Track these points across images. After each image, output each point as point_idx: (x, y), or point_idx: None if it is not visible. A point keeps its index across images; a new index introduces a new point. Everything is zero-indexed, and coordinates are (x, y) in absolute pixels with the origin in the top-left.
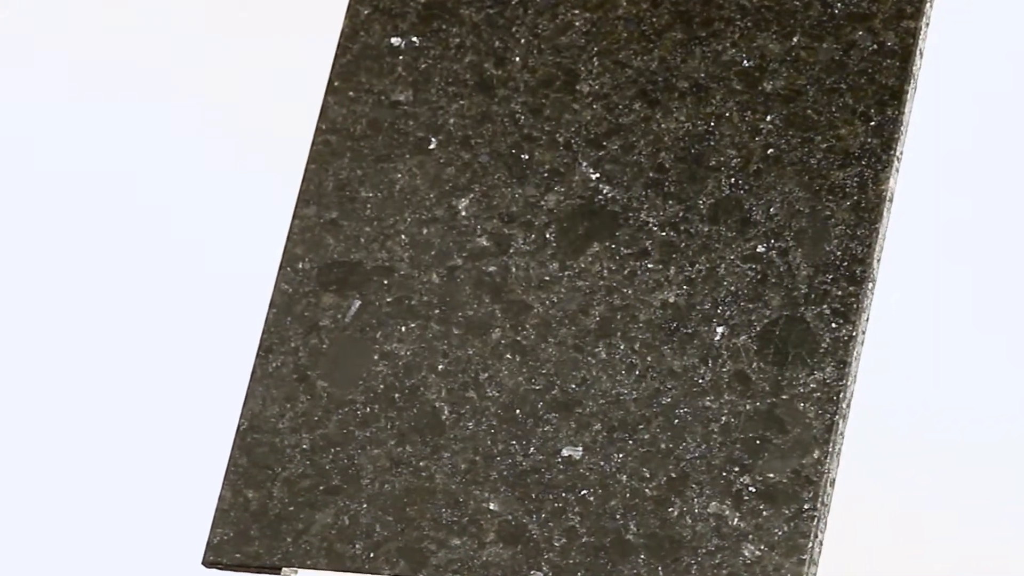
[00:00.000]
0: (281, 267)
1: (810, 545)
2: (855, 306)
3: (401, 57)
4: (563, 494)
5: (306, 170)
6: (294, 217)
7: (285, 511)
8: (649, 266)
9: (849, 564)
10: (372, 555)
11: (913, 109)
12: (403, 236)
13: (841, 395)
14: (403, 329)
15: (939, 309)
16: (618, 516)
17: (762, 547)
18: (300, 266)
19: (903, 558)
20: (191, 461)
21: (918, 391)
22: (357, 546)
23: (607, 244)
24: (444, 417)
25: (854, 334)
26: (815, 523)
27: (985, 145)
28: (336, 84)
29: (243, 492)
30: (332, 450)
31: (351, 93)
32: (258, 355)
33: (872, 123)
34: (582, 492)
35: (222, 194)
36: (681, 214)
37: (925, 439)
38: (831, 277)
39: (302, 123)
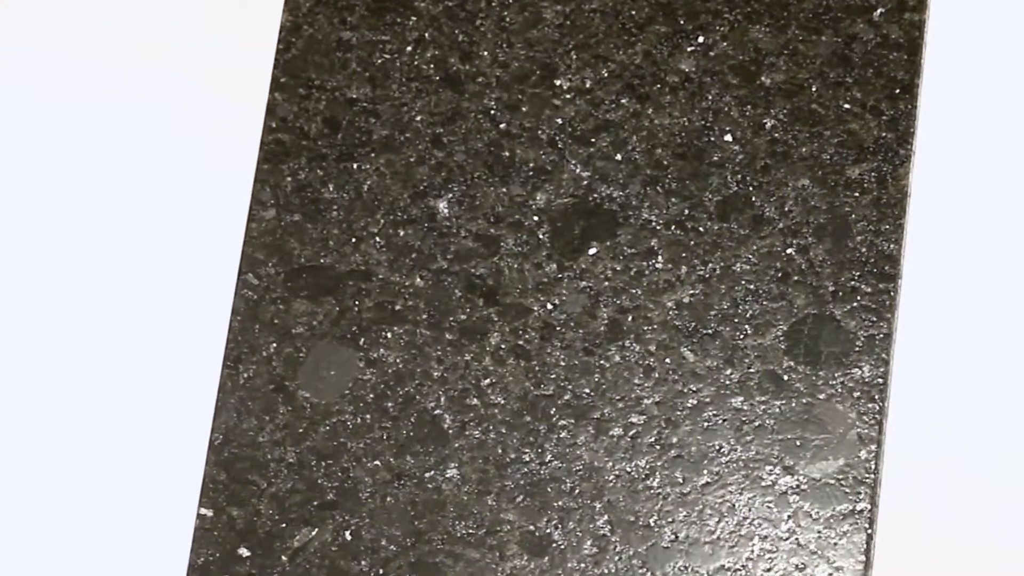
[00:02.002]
0: (240, 272)
1: (867, 547)
2: (887, 303)
3: (354, 52)
4: (589, 501)
5: (258, 170)
6: (250, 220)
7: (276, 528)
8: (657, 266)
9: (893, 564)
10: (381, 571)
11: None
12: (377, 239)
13: (883, 393)
14: (389, 335)
15: (947, 305)
16: (652, 522)
17: (816, 550)
18: (263, 271)
19: (944, 557)
20: (145, 478)
21: (934, 388)
22: (363, 562)
23: (607, 244)
24: (446, 426)
25: (888, 331)
26: (871, 524)
27: (984, 139)
28: (282, 80)
29: (226, 509)
30: (323, 463)
31: (301, 90)
32: (225, 365)
33: (884, 117)
34: (609, 499)
35: (160, 196)
36: (687, 212)
37: (953, 438)
38: (858, 274)
39: (240, 121)
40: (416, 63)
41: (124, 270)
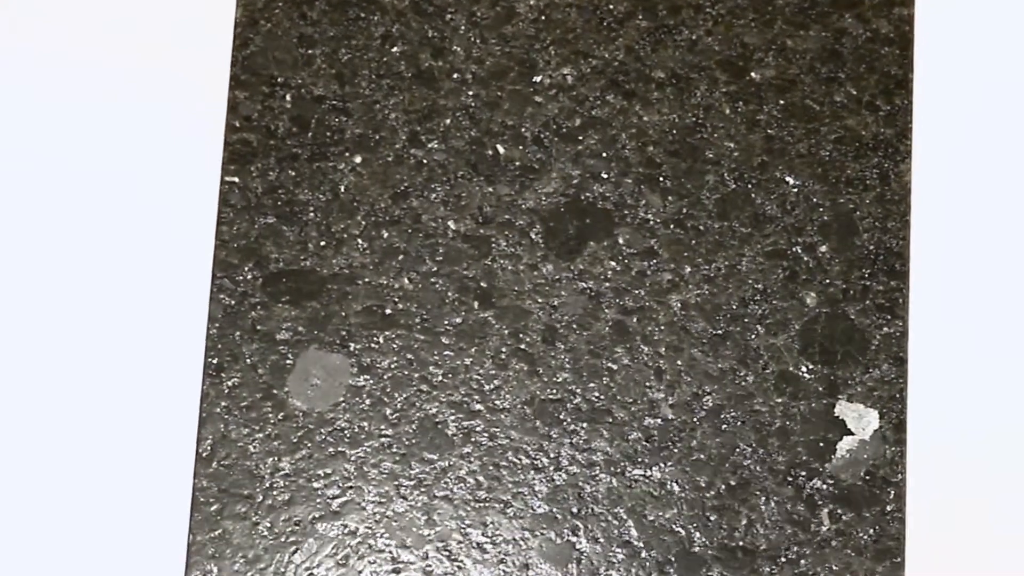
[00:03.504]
0: (214, 277)
1: (901, 547)
2: (900, 300)
3: (318, 48)
4: (611, 507)
5: (224, 171)
6: (220, 223)
7: (277, 542)
8: (659, 265)
9: (926, 564)
10: None
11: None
12: (359, 241)
13: (904, 392)
14: (381, 340)
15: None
16: (678, 528)
17: (849, 553)
18: (239, 276)
19: (977, 554)
20: (129, 495)
21: (951, 385)
22: (373, 575)
23: (605, 244)
24: (451, 433)
25: (904, 329)
26: (903, 525)
27: (979, 132)
28: (242, 78)
29: (220, 523)
30: (321, 473)
31: (264, 88)
32: (207, 374)
33: (881, 113)
34: (632, 504)
35: (117, 200)
36: (685, 210)
37: (977, 433)
38: (868, 272)
39: (199, 120)
40: (385, 59)
41: (88, 277)
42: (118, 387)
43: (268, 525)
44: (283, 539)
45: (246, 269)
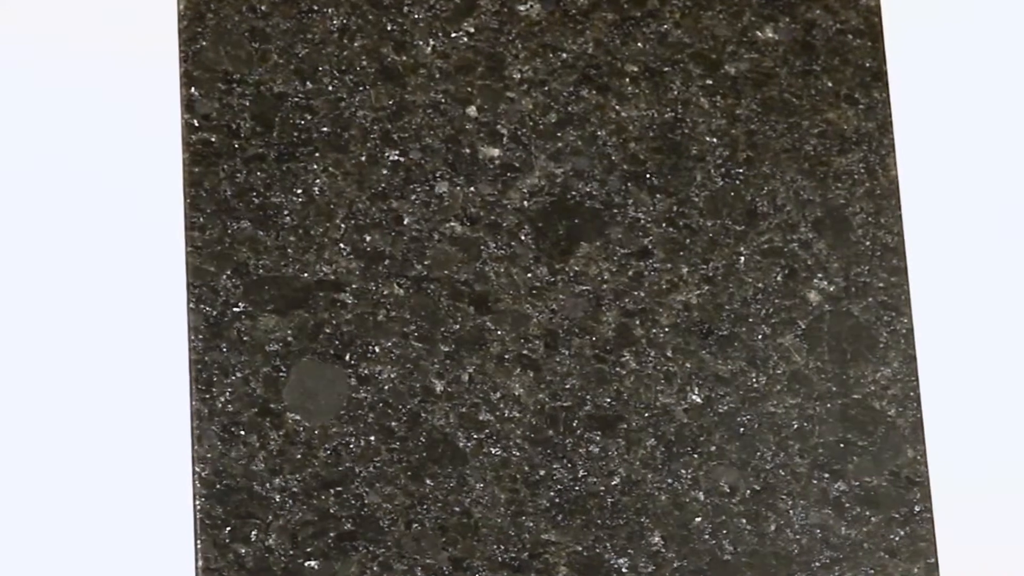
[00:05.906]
0: (189, 286)
1: (933, 548)
2: (903, 297)
3: (272, 42)
4: (636, 517)
5: (189, 173)
6: (190, 228)
7: (293, 564)
8: (656, 266)
9: (959, 562)
10: None
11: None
12: (341, 245)
13: (917, 390)
14: (377, 349)
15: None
16: (707, 535)
17: (882, 555)
18: (218, 284)
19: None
20: (127, 523)
21: (961, 381)
22: None
23: (597, 244)
24: (461, 444)
25: (910, 326)
26: (932, 525)
27: (953, 125)
28: (195, 74)
29: (230, 547)
30: (332, 491)
31: (220, 85)
32: (196, 389)
33: (861, 106)
34: (657, 513)
35: (75, 208)
36: (675, 208)
37: (992, 429)
38: (867, 268)
39: (152, 118)
40: (345, 54)
41: (53, 292)
42: (98, 407)
43: (281, 547)
44: (300, 561)
45: (224, 277)
